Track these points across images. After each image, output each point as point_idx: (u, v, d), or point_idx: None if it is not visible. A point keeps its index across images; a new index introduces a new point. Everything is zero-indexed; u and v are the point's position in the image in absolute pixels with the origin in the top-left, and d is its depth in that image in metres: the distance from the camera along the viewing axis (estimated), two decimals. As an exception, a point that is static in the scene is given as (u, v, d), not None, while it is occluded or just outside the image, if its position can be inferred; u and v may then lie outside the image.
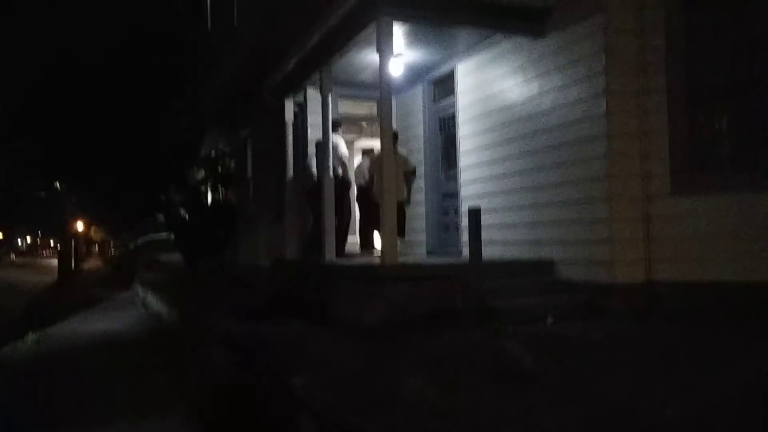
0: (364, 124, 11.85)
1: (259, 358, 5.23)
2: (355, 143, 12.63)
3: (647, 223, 6.68)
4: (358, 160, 11.42)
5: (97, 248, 68.78)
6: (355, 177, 9.99)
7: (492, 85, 8.36)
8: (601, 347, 4.83)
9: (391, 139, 6.93)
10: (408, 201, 8.08)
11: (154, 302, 12.36)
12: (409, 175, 7.97)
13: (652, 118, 6.70)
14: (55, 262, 28.57)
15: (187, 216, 14.94)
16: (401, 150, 8.13)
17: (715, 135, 6.78)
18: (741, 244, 6.23)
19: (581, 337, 5.18)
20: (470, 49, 8.64)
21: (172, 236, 15.65)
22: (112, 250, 51.00)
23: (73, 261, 30.99)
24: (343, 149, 8.79)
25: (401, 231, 7.97)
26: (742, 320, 5.65)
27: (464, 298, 5.97)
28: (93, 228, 58.51)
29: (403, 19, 7.13)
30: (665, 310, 6.33)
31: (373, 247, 9.37)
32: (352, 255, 8.86)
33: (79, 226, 42.94)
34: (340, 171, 8.65)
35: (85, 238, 56.49)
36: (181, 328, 9.19)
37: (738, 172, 6.54)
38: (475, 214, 5.93)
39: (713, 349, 4.73)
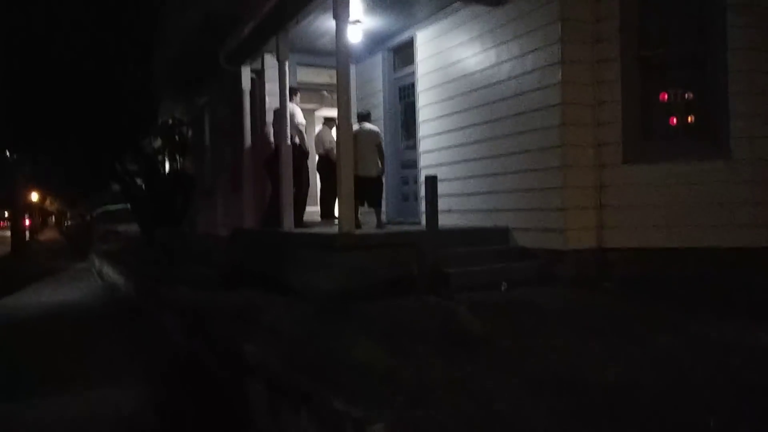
0: (325, 93, 11.70)
1: (213, 326, 5.21)
2: (316, 113, 12.49)
3: (600, 191, 6.83)
4: (319, 129, 11.33)
5: (53, 219, 67.12)
6: (315, 146, 9.91)
7: (451, 53, 8.34)
8: (550, 313, 4.94)
9: (348, 107, 6.87)
10: (383, 172, 8.19)
11: (110, 273, 12.17)
12: (380, 148, 8.02)
13: (606, 87, 6.79)
14: (8, 233, 27.85)
15: (143, 186, 14.66)
16: (372, 126, 8.16)
17: (666, 104, 6.92)
18: (690, 211, 6.44)
19: (532, 303, 5.29)
20: (430, 17, 8.59)
21: (129, 206, 15.36)
22: (68, 221, 49.86)
23: (27, 232, 30.17)
24: (300, 118, 8.68)
25: (377, 203, 8.12)
26: (688, 285, 5.85)
27: (420, 266, 6.02)
28: (48, 198, 56.97)
29: (361, -17, 7.03)
30: (616, 276, 6.51)
31: (333, 216, 9.34)
32: (311, 224, 8.83)
33: (34, 196, 41.77)
34: (297, 140, 8.56)
35: (41, 209, 55.03)
36: (136, 298, 9.09)
37: (688, 140, 6.72)
38: (431, 182, 5.94)
39: (656, 316, 4.88)
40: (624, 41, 6.73)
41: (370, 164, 7.92)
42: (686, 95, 6.82)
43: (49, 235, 45.45)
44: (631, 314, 4.95)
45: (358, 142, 7.77)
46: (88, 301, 9.98)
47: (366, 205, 8.16)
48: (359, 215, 8.31)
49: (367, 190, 7.85)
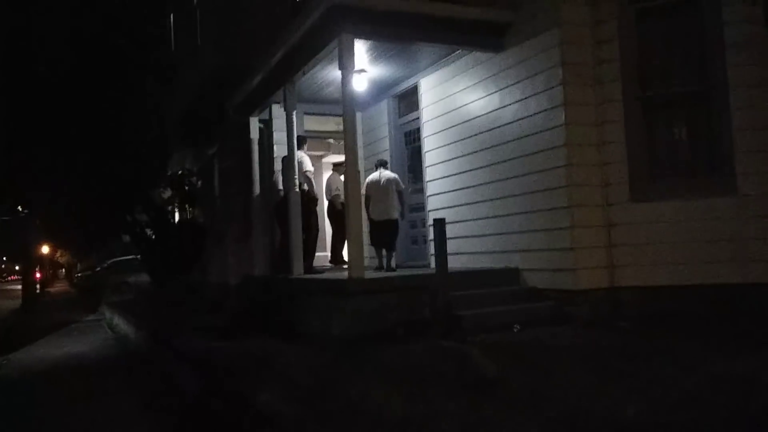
0: (332, 140, 11.89)
1: (225, 376, 5.19)
2: (323, 159, 12.65)
3: (609, 229, 6.84)
4: (327, 176, 11.45)
5: (63, 271, 67.32)
6: (325, 192, 10.05)
7: (455, 99, 8.48)
8: (564, 354, 4.90)
9: (355, 154, 7.01)
10: (403, 216, 8.73)
11: (121, 324, 12.16)
12: (401, 194, 8.54)
13: (610, 127, 6.87)
14: (19, 286, 27.94)
15: (153, 236, 14.77)
16: (391, 173, 8.65)
17: (671, 143, 6.99)
18: (699, 248, 6.42)
19: (545, 344, 5.25)
20: (432, 65, 8.77)
21: (139, 257, 15.44)
22: (79, 273, 50.00)
23: (38, 285, 30.30)
24: (309, 165, 8.80)
25: (393, 246, 8.49)
26: (702, 322, 5.80)
27: (431, 309, 6.01)
28: (59, 251, 57.30)
29: (365, 36, 7.22)
30: (628, 315, 6.46)
31: (343, 261, 9.37)
32: (321, 270, 8.85)
33: (44, 249, 42.07)
34: (306, 187, 8.66)
35: (51, 262, 55.33)
36: (147, 350, 9.06)
37: (694, 177, 6.75)
38: (439, 224, 5.98)
39: (671, 354, 4.83)
40: (625, 82, 6.85)
41: (391, 208, 8.34)
42: (690, 133, 6.89)
43: (59, 287, 45.57)
44: (646, 353, 4.89)
45: (379, 187, 8.19)
46: (99, 353, 9.95)
47: (382, 249, 8.49)
48: (370, 258, 8.52)
49: (385, 234, 8.34)
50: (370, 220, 8.54)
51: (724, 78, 6.47)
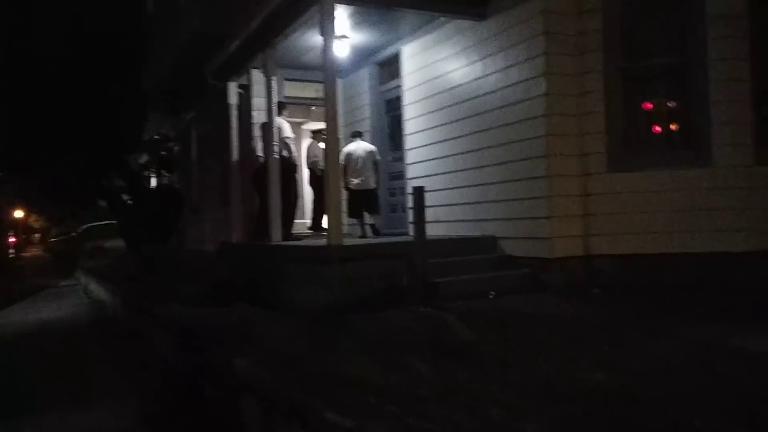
0: (312, 107, 11.77)
1: (203, 341, 5.20)
2: (303, 126, 12.54)
3: (585, 199, 6.91)
4: (306, 143, 11.37)
5: (38, 236, 66.43)
6: (306, 159, 10.02)
7: (437, 67, 8.43)
8: (539, 321, 4.98)
9: (336, 122, 6.95)
10: (378, 186, 8.99)
11: (97, 290, 12.08)
12: (378, 165, 8.84)
13: (590, 98, 6.89)
14: (-8, 252, 27.52)
15: (130, 201, 14.60)
16: (368, 144, 8.96)
17: (649, 113, 7.04)
18: (674, 218, 6.53)
19: (520, 312, 5.33)
20: (415, 32, 8.68)
21: (115, 222, 15.28)
22: (54, 238, 49.45)
23: (12, 250, 29.88)
24: (288, 131, 8.72)
25: (377, 211, 9.05)
26: (674, 290, 5.93)
27: (409, 276, 6.05)
28: (33, 216, 56.46)
29: (347, 1, 7.12)
30: (603, 283, 6.58)
31: (323, 228, 9.37)
32: (300, 237, 8.84)
33: (18, 213, 41.40)
34: (285, 153, 8.59)
35: (25, 227, 54.54)
36: (124, 316, 9.02)
37: (671, 148, 6.84)
38: (418, 192, 5.99)
39: (643, 322, 4.94)
40: (607, 53, 6.85)
41: (370, 178, 8.66)
42: (669, 104, 6.95)
43: (33, 252, 44.99)
44: (619, 320, 5.00)
45: (357, 158, 8.32)
46: (76, 318, 9.90)
47: (364, 216, 8.84)
48: (351, 226, 8.67)
49: (367, 201, 8.71)
50: (348, 190, 8.62)
51: (704, 50, 6.51)
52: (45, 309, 11.04)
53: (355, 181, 8.64)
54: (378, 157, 8.78)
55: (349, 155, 8.69)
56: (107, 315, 10.05)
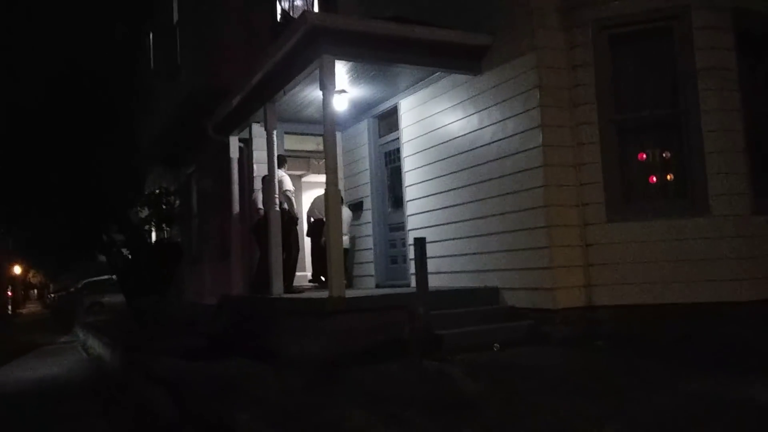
0: (313, 160, 11.91)
1: (201, 398, 5.12)
2: (303, 179, 12.66)
3: (585, 249, 6.92)
4: (307, 195, 11.47)
5: (36, 292, 66.01)
6: (309, 212, 10.14)
7: (434, 119, 8.58)
8: (543, 373, 4.93)
9: (336, 174, 7.02)
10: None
11: (95, 346, 11.94)
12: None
13: (586, 149, 6.99)
14: (-11, 307, 27.32)
15: (129, 256, 14.59)
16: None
17: (646, 164, 7.13)
18: (674, 268, 6.53)
19: (524, 364, 5.28)
20: (412, 86, 8.87)
21: (114, 277, 15.23)
22: (52, 293, 49.14)
23: (9, 306, 29.66)
24: (289, 185, 8.81)
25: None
26: (677, 341, 5.88)
27: (411, 328, 6.01)
28: (32, 271, 56.20)
29: (345, 57, 7.30)
30: (605, 334, 6.53)
31: (323, 281, 9.34)
32: (302, 289, 8.81)
33: (16, 269, 41.27)
34: (286, 206, 8.66)
35: (23, 282, 54.26)
36: (122, 371, 8.90)
37: (668, 198, 6.91)
38: (420, 243, 6.02)
39: (647, 374, 4.89)
40: (601, 105, 6.98)
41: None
42: (665, 155, 7.04)
43: (31, 308, 44.62)
44: (623, 373, 4.95)
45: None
46: (73, 375, 9.75)
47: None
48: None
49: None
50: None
51: (696, 102, 6.64)
52: (42, 366, 10.89)
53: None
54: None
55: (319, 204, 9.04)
56: (105, 371, 9.90)
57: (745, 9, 6.87)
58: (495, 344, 6.21)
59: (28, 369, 10.60)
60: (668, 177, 7.01)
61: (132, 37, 15.93)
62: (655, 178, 7.06)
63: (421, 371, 4.89)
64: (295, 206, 9.04)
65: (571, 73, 7.09)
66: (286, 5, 12.44)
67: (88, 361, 11.44)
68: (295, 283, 8.92)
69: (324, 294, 6.83)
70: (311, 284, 9.85)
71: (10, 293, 31.64)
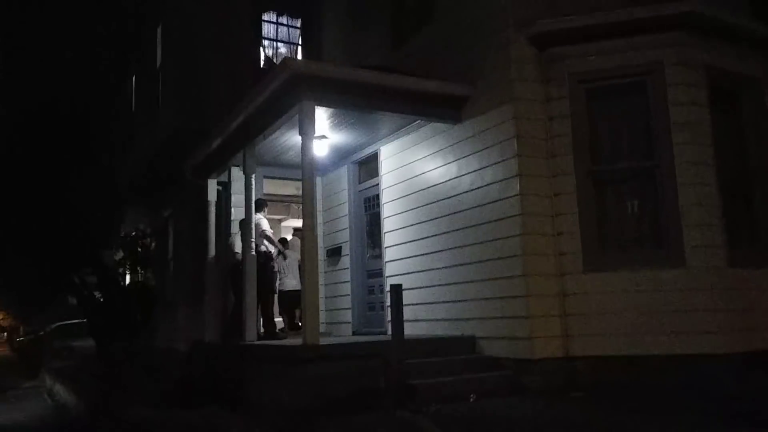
0: (293, 205, 11.87)
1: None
2: (282, 223, 12.58)
3: (563, 299, 6.89)
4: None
5: (5, 335, 64.12)
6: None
7: (414, 166, 8.62)
8: (519, 426, 4.83)
9: (313, 219, 6.97)
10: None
11: (62, 392, 11.53)
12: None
13: (563, 199, 7.04)
14: (-47, 350, 26.39)
15: (101, 299, 14.26)
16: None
17: (622, 215, 7.19)
18: (651, 319, 6.52)
19: (500, 416, 5.17)
20: (393, 133, 8.93)
21: (85, 321, 14.84)
22: (21, 336, 47.76)
23: (-26, 349, 28.65)
24: (266, 226, 8.76)
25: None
26: (654, 393, 5.82)
27: (386, 377, 5.88)
28: (1, 314, 54.74)
29: (326, 104, 7.34)
30: (583, 385, 6.45)
31: (298, 327, 9.17)
32: (279, 336, 8.63)
33: (-16, 311, 40.10)
34: (264, 248, 8.58)
35: (-9, 325, 52.71)
36: (88, 420, 8.57)
37: (644, 249, 6.94)
38: (396, 290, 5.94)
39: (623, 426, 4.80)
40: (577, 156, 7.06)
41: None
42: (640, 206, 7.11)
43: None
44: (599, 426, 4.86)
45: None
46: (36, 424, 9.37)
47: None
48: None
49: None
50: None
51: (670, 155, 6.76)
52: (4, 412, 10.46)
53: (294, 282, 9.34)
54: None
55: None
56: (70, 419, 9.53)
57: (717, 66, 7.09)
58: (471, 395, 6.08)
59: (-10, 415, 10.18)
60: (644, 227, 7.08)
61: (114, 80, 15.95)
62: (631, 229, 7.12)
63: (395, 423, 4.75)
64: (275, 243, 9.04)
65: (549, 124, 7.20)
66: (270, 52, 12.60)
67: (53, 408, 11.03)
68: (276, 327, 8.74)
69: (298, 341, 6.69)
70: (287, 332, 9.66)
71: (-24, 336, 30.67)
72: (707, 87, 6.96)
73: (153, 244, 14.92)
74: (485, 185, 7.31)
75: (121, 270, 15.25)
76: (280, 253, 9.31)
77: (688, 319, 6.40)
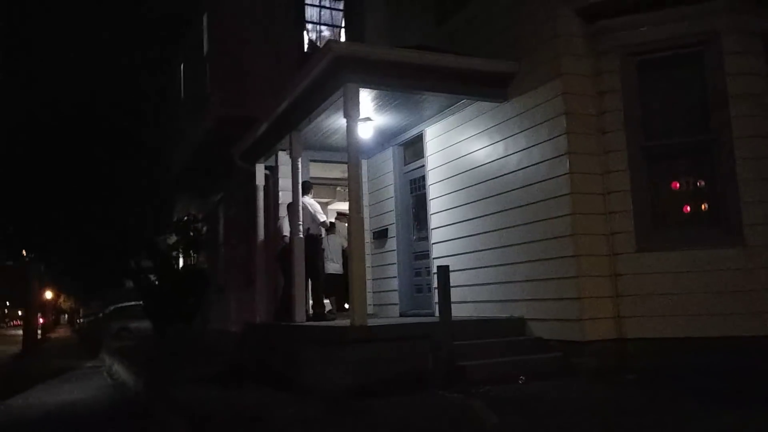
0: (339, 188, 11.93)
1: (221, 429, 5.05)
2: (329, 206, 12.67)
3: (615, 279, 6.74)
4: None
5: (66, 317, 66.99)
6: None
7: (459, 147, 8.53)
8: (570, 408, 4.76)
9: (359, 201, 6.98)
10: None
11: (120, 371, 11.97)
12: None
13: (615, 176, 6.86)
14: (20, 332, 27.71)
15: (157, 282, 14.69)
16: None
17: (676, 192, 6.95)
18: (706, 300, 6.31)
19: (550, 398, 5.10)
20: (437, 113, 8.84)
21: (142, 303, 15.34)
22: (81, 318, 49.78)
23: (39, 330, 30.05)
24: (318, 209, 8.84)
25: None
26: (709, 376, 5.64)
27: (434, 359, 5.88)
28: (62, 296, 57.16)
29: (370, 86, 7.31)
30: (636, 367, 6.30)
31: (346, 309, 9.26)
32: (328, 317, 8.72)
33: (48, 294, 41.94)
34: (312, 231, 8.66)
35: (54, 307, 55.10)
36: (145, 399, 8.88)
37: (700, 227, 6.70)
38: (443, 272, 5.92)
39: (678, 410, 4.68)
40: (629, 132, 6.86)
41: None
42: (696, 183, 6.86)
43: (61, 333, 45.19)
44: (654, 409, 4.74)
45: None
46: (96, 401, 9.75)
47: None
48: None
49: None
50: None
51: (728, 128, 6.48)
52: (66, 391, 10.93)
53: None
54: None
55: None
56: (128, 397, 9.89)
57: (777, 33, 6.73)
58: (521, 377, 6.03)
59: (55, 393, 10.64)
60: (700, 205, 6.83)
61: (164, 68, 16.28)
62: (687, 207, 6.88)
63: (444, 404, 4.75)
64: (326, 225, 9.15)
65: (598, 100, 7.00)
66: (314, 36, 12.61)
67: (112, 387, 11.45)
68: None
69: (346, 322, 6.75)
70: (337, 312, 9.76)
71: (41, 319, 32.11)
72: (766, 55, 6.62)
73: (204, 228, 15.26)
74: (533, 164, 7.17)
75: (174, 254, 15.65)
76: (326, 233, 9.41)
77: (747, 299, 6.17)
